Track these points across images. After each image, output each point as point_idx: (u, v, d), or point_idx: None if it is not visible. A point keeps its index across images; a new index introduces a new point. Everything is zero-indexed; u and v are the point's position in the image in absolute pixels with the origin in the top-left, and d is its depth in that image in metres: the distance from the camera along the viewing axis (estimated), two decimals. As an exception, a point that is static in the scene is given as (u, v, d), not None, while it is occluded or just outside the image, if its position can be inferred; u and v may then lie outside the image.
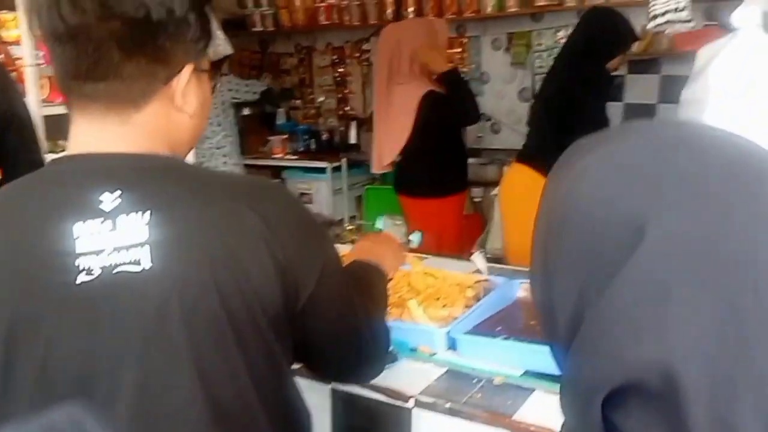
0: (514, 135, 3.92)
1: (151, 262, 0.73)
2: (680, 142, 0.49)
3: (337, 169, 4.33)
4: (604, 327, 0.46)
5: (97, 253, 0.73)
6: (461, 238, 2.95)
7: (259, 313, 0.78)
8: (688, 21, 1.98)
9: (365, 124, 4.57)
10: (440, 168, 2.89)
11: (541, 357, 1.25)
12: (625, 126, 0.56)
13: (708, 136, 0.50)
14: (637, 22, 2.70)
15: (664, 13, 2.00)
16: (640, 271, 0.44)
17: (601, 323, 0.46)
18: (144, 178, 0.77)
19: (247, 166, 4.11)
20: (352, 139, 4.74)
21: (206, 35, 0.82)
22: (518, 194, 2.54)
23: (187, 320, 0.74)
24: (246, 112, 4.39)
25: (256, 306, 0.77)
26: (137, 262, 0.73)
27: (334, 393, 1.25)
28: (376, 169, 3.12)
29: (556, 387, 1.20)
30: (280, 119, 4.85)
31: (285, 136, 4.61)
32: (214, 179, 0.84)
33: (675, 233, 0.44)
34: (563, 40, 3.43)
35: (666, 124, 0.56)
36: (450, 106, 2.78)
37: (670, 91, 3.51)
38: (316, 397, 1.08)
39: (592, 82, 2.42)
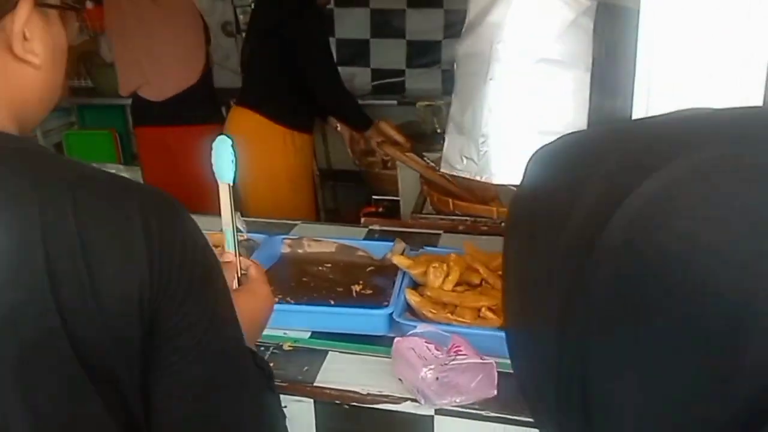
0: (223, 72, 3.41)
1: None
2: None
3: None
4: None
5: None
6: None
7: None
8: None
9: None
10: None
11: (327, 317, 1.23)
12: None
13: None
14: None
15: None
16: None
17: None
18: None
19: None
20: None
21: None
22: (248, 139, 2.35)
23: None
24: None
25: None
26: None
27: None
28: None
29: (348, 347, 1.20)
30: None
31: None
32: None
33: None
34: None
35: None
36: None
37: (382, 24, 3.66)
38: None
39: (304, 15, 2.32)
